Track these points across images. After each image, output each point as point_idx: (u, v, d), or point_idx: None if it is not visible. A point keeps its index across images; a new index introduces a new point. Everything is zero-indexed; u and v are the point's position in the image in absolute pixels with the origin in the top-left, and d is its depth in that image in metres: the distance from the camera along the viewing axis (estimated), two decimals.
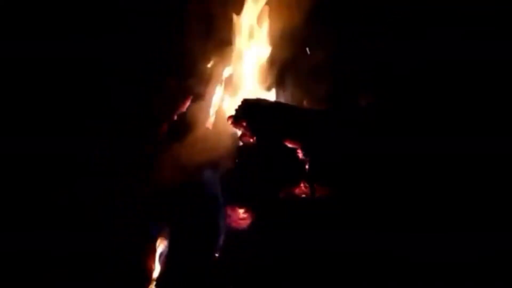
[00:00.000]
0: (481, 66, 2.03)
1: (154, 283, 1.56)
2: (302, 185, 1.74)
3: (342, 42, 2.25)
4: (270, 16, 2.16)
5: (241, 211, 1.72)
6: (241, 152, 1.83)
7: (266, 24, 2.15)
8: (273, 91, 2.14)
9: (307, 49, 2.26)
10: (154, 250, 1.63)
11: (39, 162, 1.90)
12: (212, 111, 2.08)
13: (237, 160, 1.81)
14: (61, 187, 1.82)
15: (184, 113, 2.08)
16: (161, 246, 1.64)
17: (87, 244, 1.65)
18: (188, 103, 2.10)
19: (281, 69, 2.18)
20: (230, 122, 1.84)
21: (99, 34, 2.25)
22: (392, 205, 1.66)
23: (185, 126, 2.00)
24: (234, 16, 2.12)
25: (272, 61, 2.16)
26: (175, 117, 2.06)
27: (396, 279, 1.54)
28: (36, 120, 2.05)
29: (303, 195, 1.74)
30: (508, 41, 2.02)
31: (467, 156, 1.74)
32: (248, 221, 1.71)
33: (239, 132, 1.89)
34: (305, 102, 2.13)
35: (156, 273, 1.59)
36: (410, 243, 1.55)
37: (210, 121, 2.04)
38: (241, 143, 1.85)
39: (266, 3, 2.14)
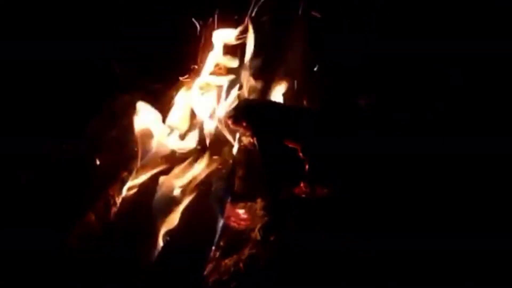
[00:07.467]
0: (482, 65, 2.04)
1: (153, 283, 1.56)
2: (302, 185, 1.74)
3: (340, 41, 2.25)
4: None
5: (241, 211, 1.73)
6: (241, 152, 1.83)
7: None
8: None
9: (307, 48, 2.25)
10: (153, 251, 1.62)
11: (38, 162, 1.90)
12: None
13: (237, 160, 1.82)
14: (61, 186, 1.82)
15: None
16: (160, 246, 1.63)
17: (86, 243, 1.65)
18: None
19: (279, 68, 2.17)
20: (230, 122, 1.84)
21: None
22: (393, 205, 1.66)
23: None
24: None
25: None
26: None
27: (396, 279, 1.54)
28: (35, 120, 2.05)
29: (303, 195, 1.74)
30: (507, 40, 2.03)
31: (467, 156, 1.74)
32: (248, 222, 1.71)
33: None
34: (305, 102, 2.13)
35: (155, 274, 1.58)
36: (410, 243, 1.54)
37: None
38: (241, 143, 1.86)
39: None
